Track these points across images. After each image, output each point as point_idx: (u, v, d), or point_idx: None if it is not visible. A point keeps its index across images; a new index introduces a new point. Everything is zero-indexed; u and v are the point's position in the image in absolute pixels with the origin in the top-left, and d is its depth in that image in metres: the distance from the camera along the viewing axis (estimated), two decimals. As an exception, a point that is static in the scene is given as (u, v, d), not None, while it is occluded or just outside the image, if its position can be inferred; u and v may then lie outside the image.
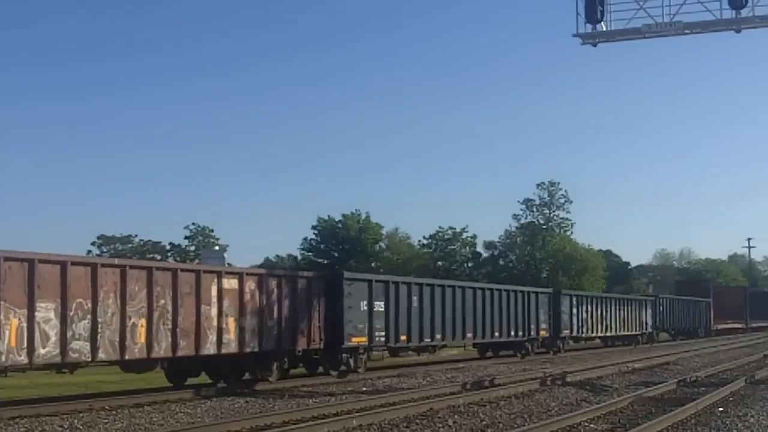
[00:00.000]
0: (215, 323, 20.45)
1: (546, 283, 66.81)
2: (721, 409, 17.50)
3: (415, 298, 27.68)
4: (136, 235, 79.59)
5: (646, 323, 51.64)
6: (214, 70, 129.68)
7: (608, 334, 46.21)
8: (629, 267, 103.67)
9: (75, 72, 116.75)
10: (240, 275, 21.61)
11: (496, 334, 33.58)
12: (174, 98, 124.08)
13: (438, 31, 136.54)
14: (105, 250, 76.38)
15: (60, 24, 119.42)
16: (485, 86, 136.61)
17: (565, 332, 40.50)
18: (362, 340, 25.32)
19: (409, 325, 27.44)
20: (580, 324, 41.96)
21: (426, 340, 28.60)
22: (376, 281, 26.50)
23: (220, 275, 20.86)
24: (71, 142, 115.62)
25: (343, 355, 24.67)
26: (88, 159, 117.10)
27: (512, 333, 34.93)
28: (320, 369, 25.36)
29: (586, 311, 42.77)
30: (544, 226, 79.44)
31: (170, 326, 19.22)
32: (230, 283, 21.04)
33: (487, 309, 32.75)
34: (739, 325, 75.19)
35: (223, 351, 20.69)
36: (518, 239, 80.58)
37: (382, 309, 26.11)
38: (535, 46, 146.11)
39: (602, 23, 22.49)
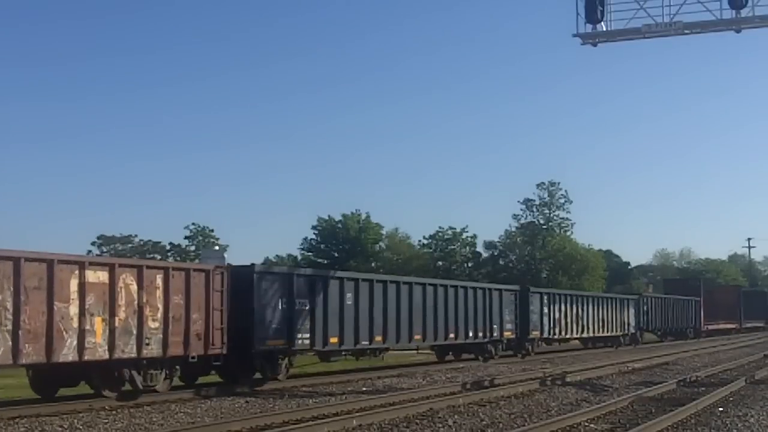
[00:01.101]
0: (75, 324, 17.22)
1: (546, 283, 66.81)
2: (721, 409, 17.51)
3: (349, 296, 24.90)
4: (136, 235, 79.60)
5: (629, 324, 48.49)
6: (214, 70, 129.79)
7: (585, 335, 42.71)
8: (629, 267, 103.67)
9: (75, 72, 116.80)
10: (111, 266, 18.33)
11: (452, 335, 30.39)
12: (174, 98, 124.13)
13: (438, 31, 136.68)
14: (105, 250, 76.34)
15: (60, 24, 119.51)
16: (485, 86, 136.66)
17: (535, 333, 36.94)
18: (279, 343, 22.47)
19: (342, 325, 24.52)
20: (552, 324, 38.42)
21: (363, 342, 25.56)
22: (299, 276, 23.65)
23: (82, 266, 17.55)
24: (71, 142, 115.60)
25: (257, 360, 22.02)
26: (89, 159, 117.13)
27: (471, 334, 31.71)
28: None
29: (560, 310, 39.25)
30: (544, 226, 79.46)
31: (9, 327, 16.02)
32: (97, 276, 17.82)
33: (440, 308, 29.61)
34: (732, 326, 72.24)
35: (87, 357, 17.41)
36: (518, 239, 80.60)
37: (307, 308, 23.25)
38: (535, 46, 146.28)
39: (602, 23, 22.50)
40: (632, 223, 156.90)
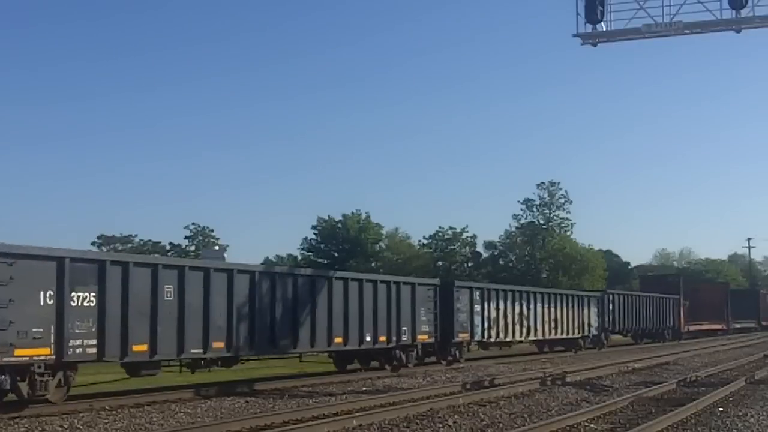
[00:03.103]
0: None
1: (546, 283, 66.73)
2: (721, 409, 17.50)
3: (168, 289, 19.00)
4: (136, 235, 79.66)
5: (589, 324, 42.65)
6: (214, 70, 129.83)
7: (533, 337, 36.98)
8: (629, 267, 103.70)
9: (75, 72, 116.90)
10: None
11: (337, 340, 24.59)
12: (174, 98, 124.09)
13: (438, 31, 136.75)
14: (105, 250, 76.36)
15: (60, 24, 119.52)
16: (485, 86, 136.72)
17: (462, 336, 30.81)
18: (37, 352, 16.26)
19: (154, 328, 18.60)
20: (488, 325, 32.50)
21: (193, 350, 19.80)
22: (76, 261, 17.09)
23: None
24: (71, 142, 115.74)
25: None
26: (89, 159, 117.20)
27: (368, 339, 25.86)
28: None
29: (497, 309, 33.30)
30: (544, 226, 79.50)
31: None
32: None
33: (321, 306, 23.99)
34: (718, 327, 66.96)
35: None
36: (518, 239, 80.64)
37: (93, 303, 17.36)
38: (535, 46, 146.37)
39: (602, 23, 22.49)
40: (632, 223, 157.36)
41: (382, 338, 26.49)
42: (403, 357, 27.84)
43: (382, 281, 27.14)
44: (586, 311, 42.29)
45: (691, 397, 19.12)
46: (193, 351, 19.93)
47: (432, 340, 29.20)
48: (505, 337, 34.26)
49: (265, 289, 22.15)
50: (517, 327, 34.94)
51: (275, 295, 22.38)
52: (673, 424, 15.10)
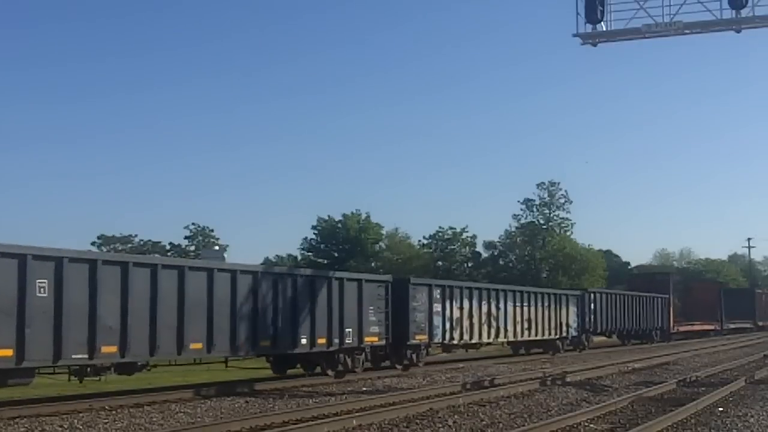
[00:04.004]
0: None
1: (546, 284, 66.75)
2: (721, 409, 17.51)
3: (41, 284, 16.65)
4: (136, 235, 79.52)
5: (568, 325, 40.06)
6: (214, 70, 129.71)
7: (503, 339, 34.41)
8: (629, 267, 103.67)
9: (75, 72, 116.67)
10: None
11: (264, 343, 22.09)
12: (174, 98, 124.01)
13: (438, 31, 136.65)
14: (105, 250, 76.34)
15: (60, 24, 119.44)
16: (485, 86, 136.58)
17: (420, 338, 28.21)
18: None
19: (22, 330, 16.27)
20: (450, 326, 29.96)
21: (75, 356, 17.38)
22: None
23: None
24: (71, 142, 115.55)
25: None
26: (89, 159, 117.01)
27: (304, 341, 23.21)
28: None
29: (460, 308, 30.68)
30: (544, 226, 79.45)
31: None
32: None
33: (245, 305, 21.53)
34: (711, 327, 63.68)
35: None
36: (518, 239, 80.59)
37: None
38: (535, 46, 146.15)
39: (602, 23, 22.49)
40: (632, 223, 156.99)
41: (321, 340, 23.81)
42: (349, 361, 25.17)
43: (319, 277, 24.53)
44: (563, 311, 39.68)
45: (691, 397, 19.13)
46: (75, 356, 17.36)
47: (383, 342, 26.46)
48: (471, 338, 31.55)
49: (169, 285, 19.40)
50: (485, 328, 32.36)
51: (185, 291, 19.64)
52: (673, 424, 15.11)
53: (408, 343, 27.67)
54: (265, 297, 22.05)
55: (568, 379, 24.15)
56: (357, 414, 16.16)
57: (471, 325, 31.36)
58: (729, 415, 16.44)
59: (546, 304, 37.88)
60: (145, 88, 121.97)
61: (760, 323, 75.89)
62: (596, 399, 19.51)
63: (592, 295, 44.61)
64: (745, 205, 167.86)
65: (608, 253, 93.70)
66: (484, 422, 15.58)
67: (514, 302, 34.85)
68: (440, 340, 29.68)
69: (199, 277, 20.30)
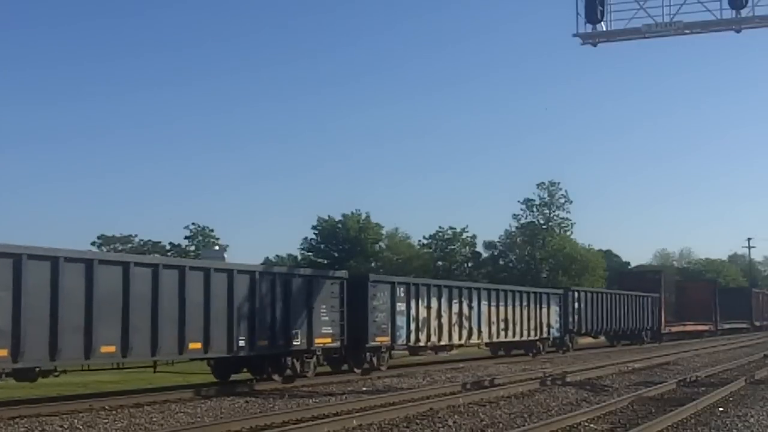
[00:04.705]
0: None
1: (546, 284, 66.76)
2: (721, 409, 17.51)
3: None
4: (136, 235, 79.48)
5: (549, 325, 38.16)
6: (214, 70, 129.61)
7: (477, 340, 32.30)
8: (629, 267, 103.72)
9: (75, 72, 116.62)
10: None
11: (193, 345, 19.89)
12: (174, 98, 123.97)
13: (438, 31, 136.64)
14: (105, 250, 76.34)
15: (60, 24, 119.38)
16: (485, 86, 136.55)
17: (381, 340, 26.10)
18: None
19: None
20: (416, 327, 27.74)
21: None
22: None
23: None
24: (72, 142, 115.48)
25: None
26: (89, 159, 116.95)
27: (242, 343, 21.15)
28: None
29: (428, 308, 28.57)
30: (544, 226, 79.46)
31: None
32: None
33: (172, 302, 19.37)
34: (705, 328, 62.04)
35: None
36: (518, 239, 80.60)
37: None
38: (535, 46, 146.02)
39: (602, 23, 22.50)
40: (632, 223, 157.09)
41: (262, 342, 21.85)
42: (297, 365, 23.28)
43: (261, 273, 22.35)
44: (544, 310, 37.77)
45: (691, 397, 19.13)
46: None
47: (337, 344, 24.46)
48: (440, 340, 29.46)
49: (75, 281, 17.31)
50: (456, 329, 30.29)
51: (94, 288, 17.51)
52: (673, 424, 15.10)
53: (367, 345, 25.60)
54: (195, 294, 19.84)
55: (568, 379, 24.15)
56: (357, 414, 16.16)
57: (440, 325, 29.32)
58: (729, 415, 16.44)
59: (525, 303, 35.96)
60: (145, 88, 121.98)
61: (757, 323, 75.09)
62: (596, 399, 19.51)
63: (575, 294, 42.62)
64: (745, 205, 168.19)
65: (608, 253, 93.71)
66: (484, 422, 15.58)
67: (489, 301, 32.91)
68: (404, 342, 27.63)
69: (113, 272, 18.06)
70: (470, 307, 31.37)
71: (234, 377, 23.16)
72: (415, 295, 27.95)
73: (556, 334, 39.24)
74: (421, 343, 28.51)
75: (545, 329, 37.81)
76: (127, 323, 18.26)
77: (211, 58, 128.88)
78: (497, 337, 33.69)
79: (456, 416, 16.27)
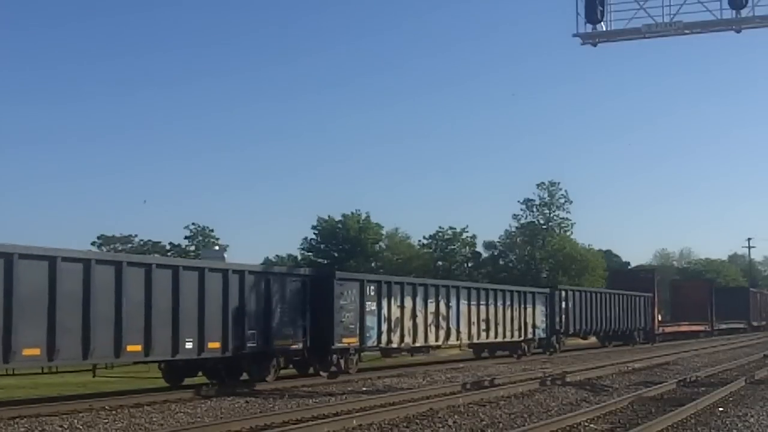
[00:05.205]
0: None
1: (546, 284, 66.76)
2: (721, 409, 17.51)
3: None
4: (136, 235, 79.52)
5: (534, 326, 36.72)
6: (214, 70, 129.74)
7: (455, 341, 30.95)
8: (629, 267, 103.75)
9: (75, 72, 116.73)
10: None
11: (132, 349, 18.36)
12: (174, 98, 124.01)
13: (438, 31, 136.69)
14: (105, 250, 76.34)
15: (59, 24, 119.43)
16: (485, 86, 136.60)
17: (348, 342, 24.61)
18: None
19: None
20: (388, 328, 26.31)
21: None
22: None
23: None
24: (72, 142, 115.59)
25: None
26: (89, 159, 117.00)
27: (189, 345, 19.62)
28: None
29: (401, 307, 27.07)
30: (544, 226, 79.49)
31: None
32: None
33: (106, 303, 17.90)
34: (700, 328, 60.49)
35: None
36: (518, 239, 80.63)
37: None
38: (535, 46, 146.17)
39: (602, 23, 22.47)
40: (632, 223, 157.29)
41: (214, 344, 20.22)
42: (254, 368, 21.90)
43: (211, 269, 20.75)
44: (529, 310, 36.33)
45: (691, 397, 19.13)
46: None
47: (299, 346, 23.04)
48: (414, 341, 28.01)
49: None
50: (432, 329, 28.86)
51: (15, 286, 16.23)
52: (673, 424, 15.10)
53: (333, 347, 24.03)
54: (134, 293, 18.36)
55: (568, 379, 24.14)
56: (357, 414, 16.16)
57: (414, 326, 27.82)
58: (729, 415, 16.44)
59: (507, 302, 34.46)
60: (145, 88, 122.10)
61: (755, 323, 74.30)
62: (596, 399, 19.51)
63: (563, 293, 40.89)
64: (745, 205, 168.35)
65: (608, 253, 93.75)
66: (484, 422, 15.58)
67: (468, 300, 31.39)
68: (375, 343, 26.15)
69: (37, 268, 16.68)
70: (448, 307, 30.00)
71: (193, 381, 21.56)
72: (387, 293, 26.49)
73: (542, 335, 37.90)
74: (394, 345, 27.07)
75: (530, 330, 36.42)
76: (54, 323, 16.75)
77: (211, 58, 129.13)
78: (477, 338, 32.36)
79: (456, 416, 16.27)
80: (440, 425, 15.19)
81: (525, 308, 35.99)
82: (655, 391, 20.72)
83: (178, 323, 19.31)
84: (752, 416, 16.27)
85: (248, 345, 21.23)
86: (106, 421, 15.85)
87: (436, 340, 29.36)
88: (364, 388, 22.22)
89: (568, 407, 17.88)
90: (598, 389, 21.90)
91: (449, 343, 30.60)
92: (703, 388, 21.49)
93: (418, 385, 22.96)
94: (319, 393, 20.85)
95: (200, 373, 21.93)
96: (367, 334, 25.46)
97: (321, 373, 24.33)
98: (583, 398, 19.78)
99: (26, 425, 15.12)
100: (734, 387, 21.34)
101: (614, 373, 27.11)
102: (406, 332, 27.27)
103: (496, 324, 33.41)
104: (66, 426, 15.17)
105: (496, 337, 33.51)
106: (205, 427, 14.68)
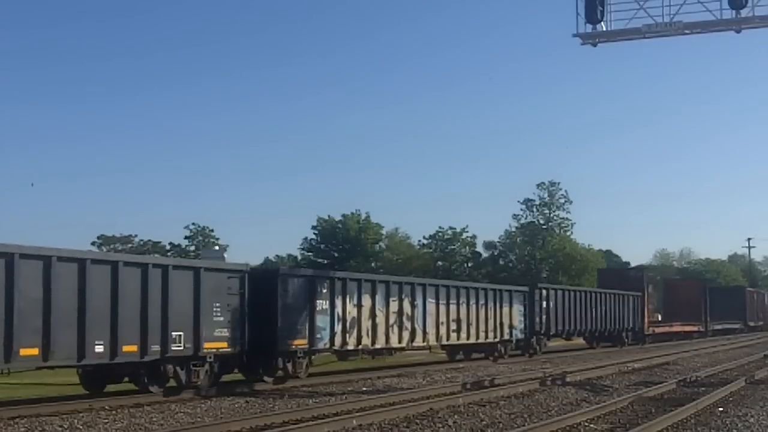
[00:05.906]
0: None
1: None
2: (721, 409, 17.51)
3: None
4: (136, 235, 79.61)
5: (511, 326, 34.62)
6: (214, 70, 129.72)
7: (422, 343, 28.84)
8: (629, 267, 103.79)
9: (76, 72, 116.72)
10: None
11: (26, 352, 16.27)
12: (174, 98, 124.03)
13: (437, 32, 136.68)
14: (105, 250, 76.35)
15: (60, 24, 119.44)
16: (485, 86, 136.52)
17: (296, 344, 22.78)
18: None
19: None
20: (343, 328, 24.46)
21: None
22: None
23: None
24: (72, 142, 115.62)
25: None
26: (89, 159, 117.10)
27: (98, 350, 17.52)
28: None
29: (358, 306, 25.15)
30: (544, 226, 79.57)
31: None
32: None
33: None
34: (693, 328, 58.63)
35: None
36: (518, 239, 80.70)
37: None
38: (535, 46, 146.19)
39: (602, 23, 22.50)
40: (632, 223, 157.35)
41: (129, 348, 18.16)
42: (182, 374, 19.66)
43: (126, 263, 18.43)
44: (505, 309, 34.17)
45: (691, 397, 19.12)
46: None
47: (234, 349, 20.84)
48: (374, 343, 25.96)
49: None
50: (395, 330, 26.77)
51: None
52: (673, 424, 15.10)
53: (277, 349, 22.30)
54: (30, 289, 16.24)
55: (568, 379, 24.14)
56: (357, 414, 16.16)
57: (374, 326, 25.73)
58: (729, 415, 16.43)
59: (482, 301, 32.30)
60: (146, 87, 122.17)
61: (752, 323, 73.06)
62: (596, 399, 19.50)
63: (543, 292, 38.49)
64: (745, 205, 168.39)
65: (608, 253, 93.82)
66: (484, 422, 15.58)
67: (437, 299, 29.20)
68: (327, 345, 24.15)
69: None
70: (413, 306, 27.74)
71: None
72: (342, 291, 24.45)
73: (520, 336, 35.64)
74: (350, 347, 25.05)
75: (506, 330, 34.22)
76: None
77: (212, 58, 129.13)
78: (447, 339, 30.13)
79: (456, 416, 16.27)
80: (440, 425, 15.19)
81: (501, 307, 33.93)
82: (655, 391, 20.71)
83: (85, 324, 17.17)
84: (752, 416, 16.27)
85: (172, 348, 19.04)
86: (106, 421, 15.84)
87: (400, 341, 27.27)
88: (364, 388, 22.21)
89: (568, 407, 17.87)
90: (598, 389, 21.90)
91: (415, 344, 28.51)
92: (703, 388, 21.49)
93: (418, 385, 22.96)
94: (319, 393, 20.85)
95: (126, 379, 19.80)
96: (318, 336, 23.50)
97: (265, 378, 22.38)
98: (583, 398, 19.78)
99: (26, 425, 15.12)
100: (734, 387, 21.33)
101: (614, 373, 27.10)
102: (364, 333, 25.33)
103: (469, 324, 31.30)
104: (66, 426, 15.17)
105: (468, 338, 31.38)
106: (205, 427, 14.68)
